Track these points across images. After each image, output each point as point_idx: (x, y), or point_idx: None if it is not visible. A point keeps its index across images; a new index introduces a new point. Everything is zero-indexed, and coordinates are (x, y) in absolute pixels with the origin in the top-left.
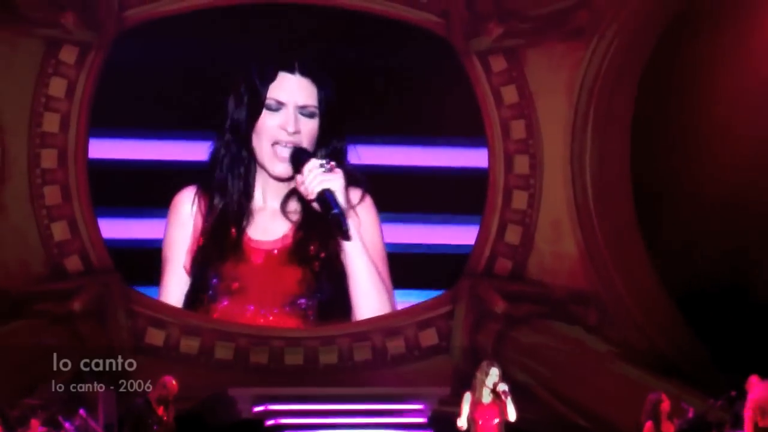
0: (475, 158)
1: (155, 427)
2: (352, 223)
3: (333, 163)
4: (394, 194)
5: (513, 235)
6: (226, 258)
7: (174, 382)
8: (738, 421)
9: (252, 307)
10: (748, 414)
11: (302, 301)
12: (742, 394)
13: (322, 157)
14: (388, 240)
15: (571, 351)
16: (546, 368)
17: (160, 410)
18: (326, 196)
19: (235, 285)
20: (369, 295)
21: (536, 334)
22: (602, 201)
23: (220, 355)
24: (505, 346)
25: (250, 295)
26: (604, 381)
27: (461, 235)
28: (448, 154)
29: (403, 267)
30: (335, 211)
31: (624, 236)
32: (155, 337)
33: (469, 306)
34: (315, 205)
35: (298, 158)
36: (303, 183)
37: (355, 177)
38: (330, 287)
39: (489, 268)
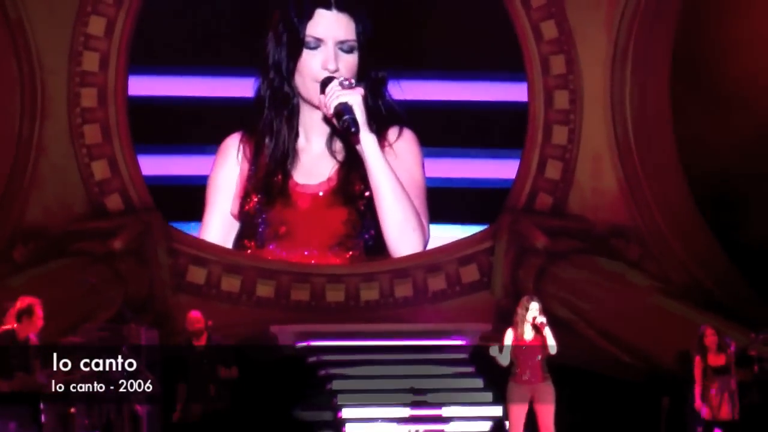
0: (515, 93)
1: (197, 363)
2: (389, 157)
3: (352, 80)
4: (434, 129)
5: (553, 171)
6: (274, 204)
7: (197, 315)
8: None
9: (301, 249)
10: None
11: (350, 241)
12: None
13: (364, 90)
14: (429, 174)
15: (612, 286)
16: (587, 303)
17: (201, 345)
18: (342, 108)
19: (283, 229)
20: (394, 211)
21: (577, 269)
22: (642, 136)
23: (261, 293)
24: (545, 281)
25: (297, 239)
26: (645, 316)
27: (502, 169)
28: (488, 89)
29: (444, 201)
30: (346, 118)
31: (665, 171)
32: (196, 275)
33: (510, 241)
34: (334, 121)
35: (325, 83)
36: (324, 103)
37: (395, 111)
38: (376, 225)
39: (530, 203)
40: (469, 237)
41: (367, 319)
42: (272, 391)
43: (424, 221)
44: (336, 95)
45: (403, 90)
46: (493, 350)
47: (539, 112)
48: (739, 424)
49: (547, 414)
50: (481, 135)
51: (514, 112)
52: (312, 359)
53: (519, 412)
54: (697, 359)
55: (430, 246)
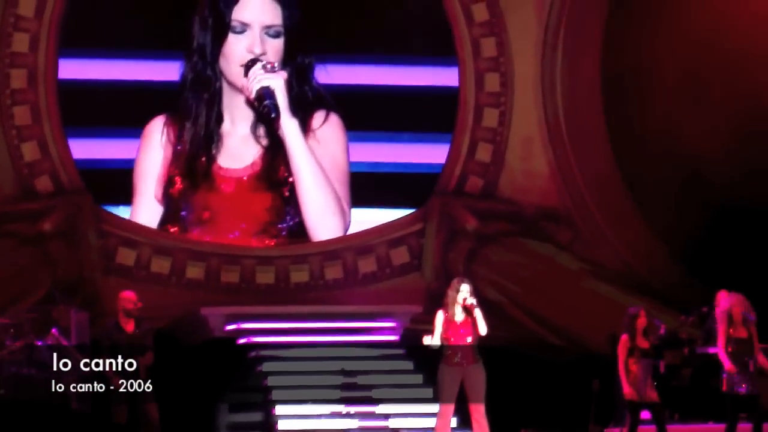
0: (445, 77)
1: (125, 345)
2: (313, 142)
3: (275, 63)
4: (364, 113)
5: (484, 153)
6: (197, 188)
7: (131, 294)
8: (710, 336)
9: (224, 233)
10: (721, 327)
11: (273, 227)
12: (713, 311)
13: (288, 76)
14: (359, 159)
15: (542, 269)
16: (517, 286)
17: (131, 327)
18: (263, 93)
19: (206, 214)
20: (314, 195)
21: (507, 252)
22: (573, 119)
23: (191, 275)
24: (476, 263)
25: (221, 224)
26: (575, 298)
27: (432, 153)
28: (418, 73)
29: (374, 186)
30: (267, 102)
31: (595, 154)
32: (126, 257)
33: (440, 224)
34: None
35: (249, 66)
36: (247, 86)
37: (321, 96)
38: (300, 212)
39: (460, 186)
40: (399, 219)
41: (297, 301)
42: (202, 373)
43: (346, 206)
44: (258, 79)
45: (334, 75)
46: (426, 339)
47: (470, 95)
48: (664, 405)
49: (478, 396)
50: (411, 119)
51: (445, 96)
52: (242, 341)
53: (450, 394)
54: (624, 338)
55: (361, 229)
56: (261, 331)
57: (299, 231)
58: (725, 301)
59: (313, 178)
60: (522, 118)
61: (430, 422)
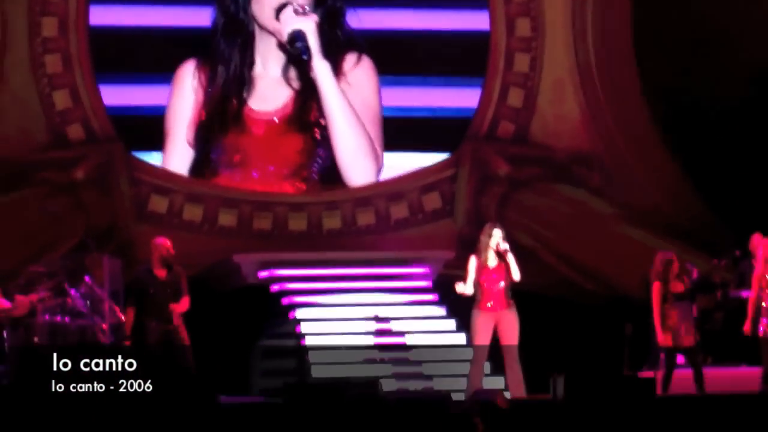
0: (476, 21)
1: (156, 293)
2: (344, 84)
3: (306, 7)
4: (395, 57)
5: (515, 98)
6: (228, 130)
7: (165, 241)
8: (743, 280)
9: (255, 176)
10: (757, 272)
11: (304, 170)
12: (747, 254)
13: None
14: (391, 103)
15: (574, 213)
16: (550, 231)
17: (163, 273)
18: (295, 34)
19: (237, 157)
20: (347, 137)
21: (540, 196)
22: (604, 62)
23: (223, 222)
24: (508, 209)
25: (251, 166)
26: (608, 243)
27: (464, 98)
28: (450, 17)
29: (406, 130)
30: (298, 44)
31: (627, 98)
32: (158, 204)
33: (472, 169)
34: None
35: (280, 9)
36: (278, 29)
37: (352, 39)
38: (331, 155)
39: (492, 131)
40: (431, 165)
41: (330, 248)
42: (235, 320)
43: (378, 148)
44: (290, 21)
45: (365, 19)
46: (459, 287)
47: (501, 40)
48: (700, 349)
49: (511, 341)
50: (443, 63)
51: (476, 40)
52: (275, 288)
53: (483, 340)
54: (657, 285)
55: (393, 174)
56: (294, 277)
57: (330, 174)
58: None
59: (346, 120)
60: (553, 62)
61: (464, 368)
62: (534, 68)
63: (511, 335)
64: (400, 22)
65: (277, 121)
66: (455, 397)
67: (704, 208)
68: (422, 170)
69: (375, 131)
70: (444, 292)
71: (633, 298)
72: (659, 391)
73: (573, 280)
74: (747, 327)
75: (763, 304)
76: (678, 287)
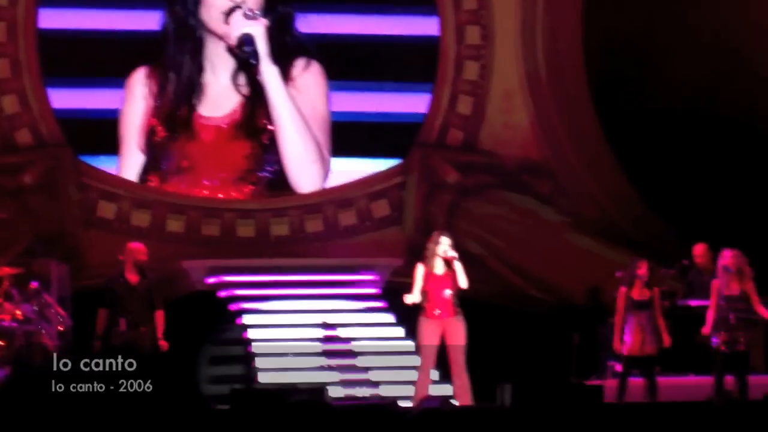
0: (426, 27)
1: (126, 298)
2: (293, 90)
3: (256, 11)
4: (346, 62)
5: (465, 106)
6: (177, 137)
7: (140, 246)
8: (691, 289)
9: (203, 182)
10: (714, 283)
11: (251, 175)
12: (694, 263)
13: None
14: (340, 108)
15: (523, 221)
16: (498, 239)
17: (135, 278)
18: (243, 39)
19: (185, 163)
20: (294, 142)
21: (488, 204)
22: (554, 72)
23: (171, 228)
24: (457, 217)
25: (199, 172)
26: (556, 251)
27: (413, 103)
28: (400, 23)
29: (355, 135)
30: (246, 48)
31: (577, 107)
32: (107, 210)
33: (421, 177)
34: (236, 51)
35: (229, 13)
36: (228, 33)
37: (302, 44)
38: (279, 160)
39: (441, 138)
40: (380, 172)
41: (278, 255)
42: (183, 326)
43: (326, 153)
44: (239, 25)
45: (316, 25)
46: (408, 298)
47: (451, 47)
48: (657, 359)
49: (458, 349)
50: (394, 69)
51: (427, 46)
52: (223, 294)
53: (430, 348)
54: (623, 290)
55: (341, 180)
56: (242, 284)
57: (278, 180)
58: (726, 255)
59: (294, 125)
60: (503, 71)
61: (412, 375)
62: (484, 76)
63: (458, 343)
64: (351, 28)
65: (225, 127)
66: (402, 404)
67: (652, 217)
68: (371, 177)
69: (323, 136)
70: (392, 300)
71: (581, 306)
72: (615, 399)
73: (521, 288)
74: (706, 329)
75: (718, 315)
76: (642, 295)
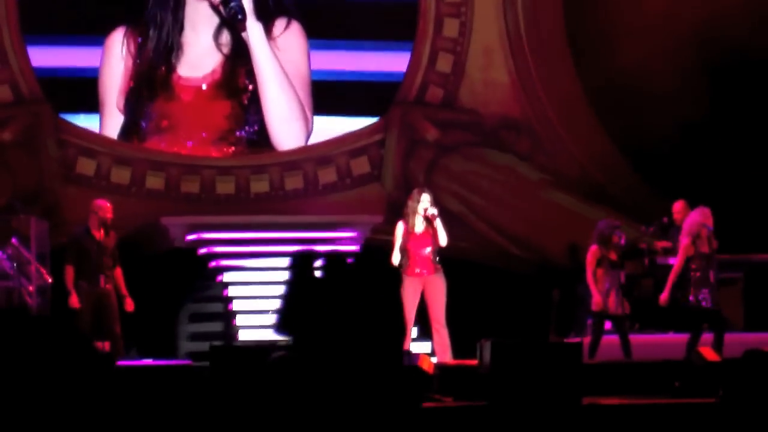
0: None
1: (92, 254)
2: (274, 49)
3: None
4: (326, 21)
5: (444, 63)
6: (156, 97)
7: (105, 203)
8: (671, 247)
9: (183, 142)
10: (684, 241)
11: (231, 135)
12: (674, 221)
13: None
14: (320, 67)
15: (503, 179)
16: (478, 196)
17: (101, 234)
18: None
19: (165, 123)
20: (278, 99)
21: (468, 161)
22: (534, 30)
23: (151, 185)
24: (437, 174)
25: (179, 132)
26: (535, 209)
27: (393, 62)
28: None
29: (336, 94)
30: (233, 3)
31: (556, 65)
32: (86, 166)
33: (401, 134)
34: (221, 9)
35: None
36: None
37: (282, 4)
38: (259, 120)
39: (420, 96)
40: (359, 130)
41: (258, 212)
42: (163, 282)
43: (308, 112)
44: None
45: None
46: (394, 259)
47: (430, 5)
48: (629, 317)
49: (438, 306)
50: (373, 28)
51: (407, 5)
52: (203, 251)
53: (411, 305)
54: (594, 248)
55: (321, 138)
56: (221, 241)
57: (259, 139)
58: (692, 214)
59: (278, 83)
60: (483, 28)
61: None
62: (463, 33)
63: (438, 300)
64: None
65: (205, 87)
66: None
67: (632, 175)
68: (350, 134)
69: (305, 95)
70: (372, 256)
71: (560, 263)
72: (586, 357)
73: (500, 246)
74: (664, 296)
75: (696, 274)
76: (614, 255)
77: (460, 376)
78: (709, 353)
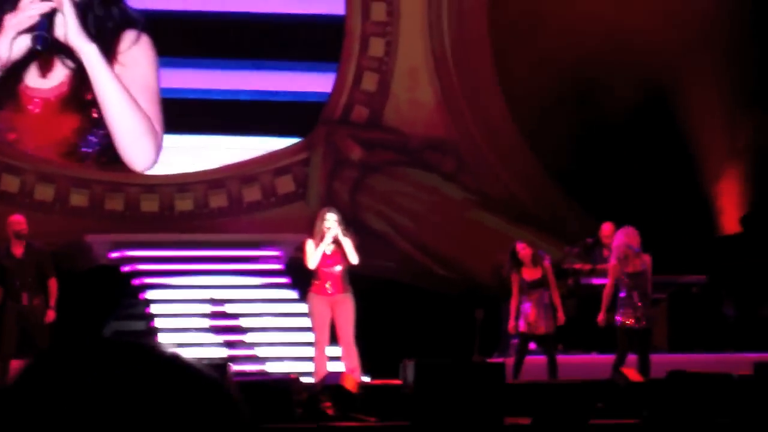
0: (331, 5)
1: (12, 271)
2: (118, 66)
3: None
4: (253, 41)
5: (370, 83)
6: (2, 108)
7: (19, 217)
8: (594, 269)
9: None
10: (611, 262)
11: (79, 150)
12: (598, 242)
13: None
14: (246, 87)
15: (427, 199)
16: (403, 216)
17: (20, 251)
18: (36, 23)
19: (12, 136)
20: (122, 118)
21: (393, 181)
22: (460, 50)
23: (75, 202)
24: (361, 193)
25: (27, 145)
26: (460, 229)
27: (318, 82)
28: (305, 1)
29: (261, 114)
30: (36, 33)
31: (482, 85)
32: (10, 183)
33: (326, 153)
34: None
35: None
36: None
37: (130, 18)
38: (109, 134)
39: (345, 115)
40: (284, 148)
41: (182, 230)
42: (86, 300)
43: (158, 127)
44: (30, 7)
45: (226, 2)
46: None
47: (356, 24)
48: (554, 337)
49: (347, 326)
50: (299, 48)
51: (331, 24)
52: (126, 269)
53: (322, 324)
54: (514, 276)
55: (246, 157)
56: (145, 258)
57: (109, 155)
58: (618, 235)
59: (119, 102)
60: (408, 48)
61: (310, 351)
62: (389, 53)
63: (347, 321)
64: (259, 6)
65: (53, 99)
66: (304, 380)
67: (557, 196)
68: (275, 153)
69: (154, 110)
70: (296, 276)
71: (485, 284)
72: (510, 377)
73: (425, 266)
74: (601, 317)
75: (621, 294)
76: (533, 274)
77: (384, 396)
78: (632, 374)
